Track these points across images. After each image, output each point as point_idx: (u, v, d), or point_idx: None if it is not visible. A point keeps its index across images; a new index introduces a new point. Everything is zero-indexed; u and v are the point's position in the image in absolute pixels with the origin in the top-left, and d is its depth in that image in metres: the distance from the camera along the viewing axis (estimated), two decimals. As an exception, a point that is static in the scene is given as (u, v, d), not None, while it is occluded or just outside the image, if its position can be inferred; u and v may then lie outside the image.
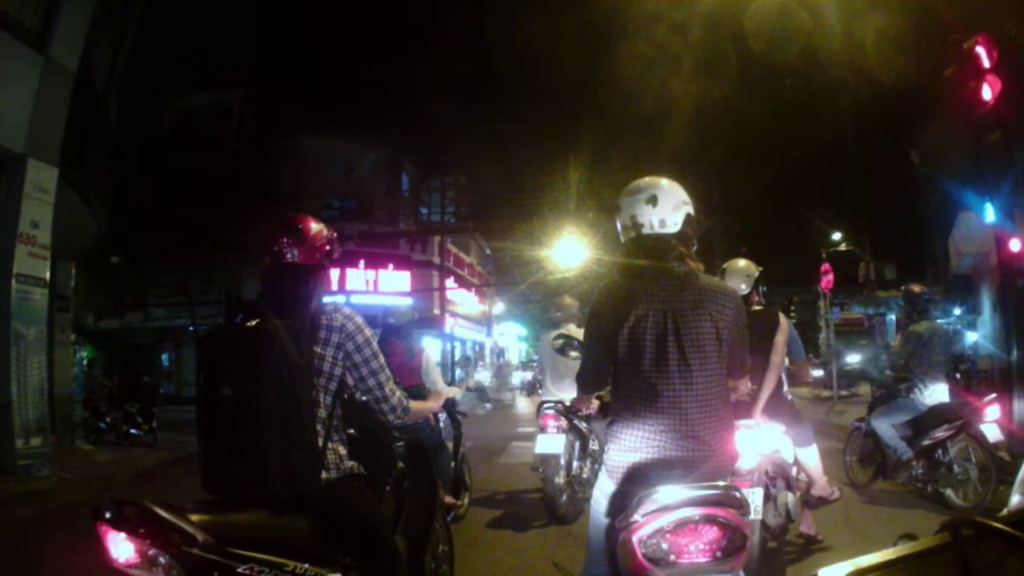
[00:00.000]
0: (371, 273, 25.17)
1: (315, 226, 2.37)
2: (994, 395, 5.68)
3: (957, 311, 22.77)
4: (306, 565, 2.01)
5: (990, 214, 7.34)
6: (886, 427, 5.83)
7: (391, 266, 25.48)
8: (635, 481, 2.12)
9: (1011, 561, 1.07)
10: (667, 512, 1.96)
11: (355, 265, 24.92)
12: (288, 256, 2.30)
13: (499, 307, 37.03)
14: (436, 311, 25.69)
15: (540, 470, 5.70)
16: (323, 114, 25.89)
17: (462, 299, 31.00)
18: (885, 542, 1.25)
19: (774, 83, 15.92)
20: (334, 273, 27.29)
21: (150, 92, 22.63)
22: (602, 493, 2.27)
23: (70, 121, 8.70)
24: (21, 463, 7.73)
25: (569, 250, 23.55)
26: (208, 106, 26.30)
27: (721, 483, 2.08)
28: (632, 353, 2.18)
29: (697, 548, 1.96)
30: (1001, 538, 1.06)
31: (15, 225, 7.97)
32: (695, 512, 1.96)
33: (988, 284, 17.51)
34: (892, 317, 18.96)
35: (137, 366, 16.83)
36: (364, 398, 2.43)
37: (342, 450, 2.28)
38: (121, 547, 1.77)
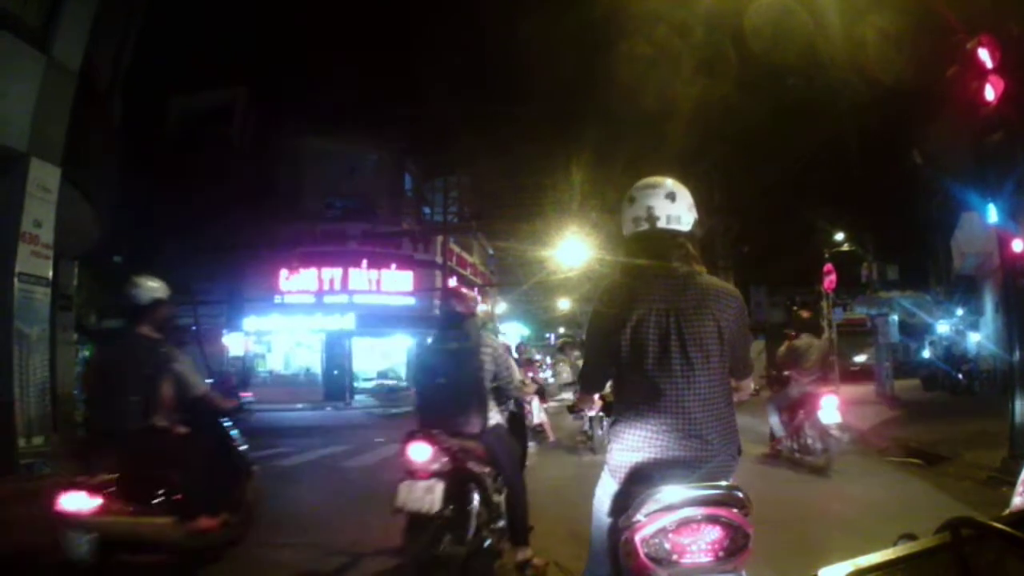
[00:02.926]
0: (374, 273, 25.19)
1: (468, 292, 4.64)
2: (832, 388, 7.83)
3: (959, 312, 22.72)
4: (488, 469, 3.99)
5: (992, 215, 7.30)
6: (772, 412, 8.04)
7: (394, 266, 25.50)
8: (638, 481, 2.13)
9: (1011, 561, 1.07)
10: (669, 512, 1.96)
11: (358, 265, 24.92)
12: (456, 308, 4.20)
13: (502, 307, 37.01)
14: (438, 311, 25.69)
15: (588, 426, 9.11)
16: (326, 114, 25.88)
17: (464, 299, 30.90)
18: (885, 542, 1.25)
19: (776, 83, 15.90)
20: (336, 273, 27.25)
21: (153, 91, 22.64)
22: (605, 492, 2.27)
23: (72, 120, 8.71)
24: (23, 462, 7.75)
25: (572, 250, 23.48)
26: (211, 105, 26.30)
27: (724, 483, 2.08)
28: (635, 353, 2.19)
29: (699, 548, 1.96)
30: (1001, 538, 1.07)
31: (18, 224, 7.99)
32: (698, 512, 1.96)
33: (990, 285, 17.49)
34: (895, 318, 18.92)
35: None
36: (499, 384, 4.15)
37: (494, 411, 4.15)
38: (420, 450, 3.63)
